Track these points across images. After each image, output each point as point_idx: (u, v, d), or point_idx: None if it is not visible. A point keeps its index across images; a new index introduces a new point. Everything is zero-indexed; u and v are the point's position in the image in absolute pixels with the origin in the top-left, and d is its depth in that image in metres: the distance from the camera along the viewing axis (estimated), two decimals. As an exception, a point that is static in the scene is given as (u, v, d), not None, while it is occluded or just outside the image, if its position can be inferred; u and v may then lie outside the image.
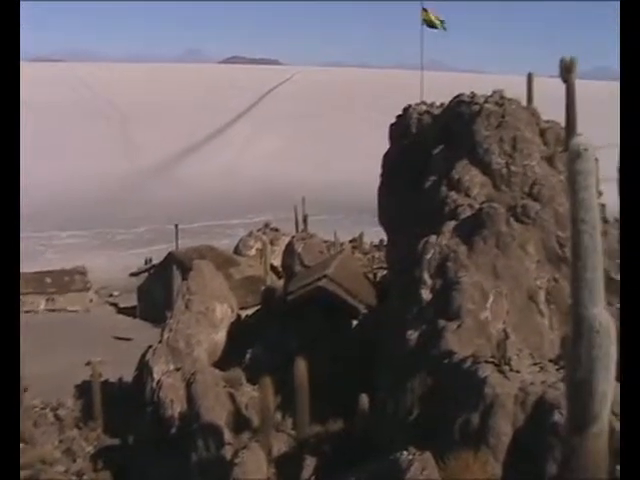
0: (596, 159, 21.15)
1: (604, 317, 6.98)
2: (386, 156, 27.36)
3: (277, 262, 45.07)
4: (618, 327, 13.26)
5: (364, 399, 16.35)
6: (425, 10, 29.98)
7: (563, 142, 21.07)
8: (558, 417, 10.73)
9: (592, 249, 7.12)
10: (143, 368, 27.76)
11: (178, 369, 25.82)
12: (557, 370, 12.64)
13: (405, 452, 11.93)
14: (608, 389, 7.07)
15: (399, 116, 27.22)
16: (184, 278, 33.97)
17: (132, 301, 57.44)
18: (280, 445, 18.36)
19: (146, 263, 63.12)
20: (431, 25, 30.18)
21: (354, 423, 16.45)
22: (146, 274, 58.48)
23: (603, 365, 6.96)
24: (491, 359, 13.13)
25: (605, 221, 19.63)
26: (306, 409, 17.99)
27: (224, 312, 31.19)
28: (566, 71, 22.16)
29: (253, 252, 53.26)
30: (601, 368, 6.97)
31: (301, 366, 18.10)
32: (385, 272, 36.25)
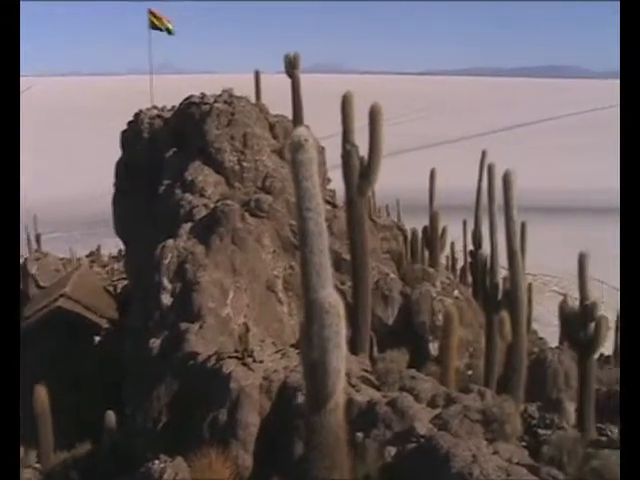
0: (323, 148, 22.19)
1: (333, 298, 7.17)
2: (119, 164, 26.44)
3: (10, 287, 41.49)
4: (350, 304, 13.99)
5: (111, 416, 15.49)
6: (151, 13, 29.45)
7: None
8: (301, 398, 11.04)
9: (317, 234, 7.29)
10: None
11: None
12: (297, 354, 13.04)
13: (157, 461, 11.54)
14: (341, 365, 7.31)
15: (130, 122, 26.46)
16: None
17: None
18: (26, 481, 16.88)
19: None
20: (158, 28, 29.71)
21: (102, 442, 15.57)
22: None
23: (335, 344, 7.15)
24: (234, 354, 13.16)
25: (334, 206, 20.79)
26: (50, 438, 16.73)
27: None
28: (291, 67, 23.24)
29: (-19, 279, 48.27)
30: (333, 347, 7.15)
31: (41, 394, 16.76)
32: (126, 283, 35.04)
